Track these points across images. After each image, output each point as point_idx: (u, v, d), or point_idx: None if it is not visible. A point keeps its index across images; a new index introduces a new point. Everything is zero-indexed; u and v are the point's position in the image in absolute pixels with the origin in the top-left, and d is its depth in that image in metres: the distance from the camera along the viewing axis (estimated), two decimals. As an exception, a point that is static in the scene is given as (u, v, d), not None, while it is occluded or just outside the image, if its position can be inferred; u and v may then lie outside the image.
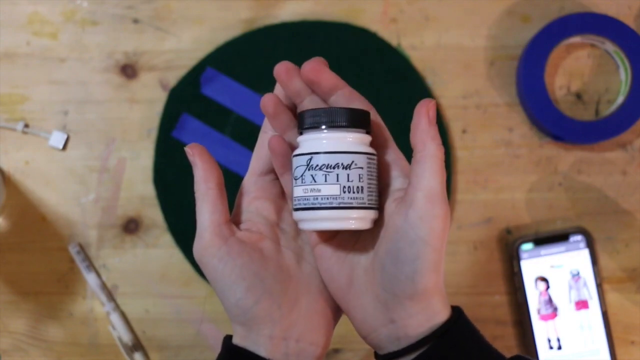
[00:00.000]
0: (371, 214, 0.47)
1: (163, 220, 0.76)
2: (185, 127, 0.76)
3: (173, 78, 0.77)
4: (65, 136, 0.77)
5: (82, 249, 0.77)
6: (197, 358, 0.77)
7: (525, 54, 0.76)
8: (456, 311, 0.47)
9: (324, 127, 0.47)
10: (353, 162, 0.46)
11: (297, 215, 0.47)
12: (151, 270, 0.77)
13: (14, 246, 0.77)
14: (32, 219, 0.77)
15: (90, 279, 0.76)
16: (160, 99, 0.77)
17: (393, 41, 0.78)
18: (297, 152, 0.47)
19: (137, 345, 0.76)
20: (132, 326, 0.77)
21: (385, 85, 0.77)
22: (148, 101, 0.77)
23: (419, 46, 0.78)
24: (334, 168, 0.46)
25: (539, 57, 0.75)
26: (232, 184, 0.77)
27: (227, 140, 0.76)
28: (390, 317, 0.46)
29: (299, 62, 0.77)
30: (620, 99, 0.76)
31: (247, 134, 0.77)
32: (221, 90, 0.77)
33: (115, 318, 0.76)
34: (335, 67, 0.77)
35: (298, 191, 0.47)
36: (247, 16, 0.78)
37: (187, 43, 0.78)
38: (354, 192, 0.46)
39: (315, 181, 0.46)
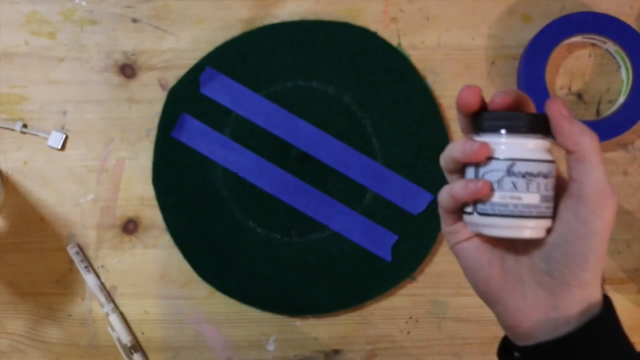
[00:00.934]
0: (551, 222, 0.47)
1: (162, 221, 0.76)
2: (184, 127, 0.76)
3: (172, 78, 0.77)
4: (64, 136, 0.77)
5: (81, 250, 0.76)
6: (197, 359, 0.76)
7: (526, 53, 0.75)
8: (608, 301, 0.47)
9: (523, 131, 0.46)
10: (549, 171, 0.46)
11: (489, 220, 0.46)
12: (150, 271, 0.77)
13: (12, 247, 0.77)
14: (30, 220, 0.77)
15: (89, 279, 0.76)
16: (159, 98, 0.77)
17: (393, 41, 0.77)
18: (493, 155, 0.46)
19: (136, 347, 0.76)
20: (131, 327, 0.77)
21: (385, 85, 0.76)
22: (147, 101, 0.77)
23: (419, 46, 0.77)
24: (536, 176, 0.45)
25: (539, 57, 0.75)
26: (231, 184, 0.77)
27: (226, 140, 0.76)
28: (555, 304, 0.46)
29: (299, 62, 0.76)
30: (621, 99, 0.76)
31: (246, 134, 0.76)
32: (220, 90, 0.76)
33: (114, 319, 0.76)
34: (335, 66, 0.77)
35: (493, 197, 0.46)
36: (246, 16, 0.77)
37: (186, 43, 0.77)
38: (548, 202, 0.46)
39: (516, 189, 0.45)
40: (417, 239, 0.75)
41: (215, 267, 0.76)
